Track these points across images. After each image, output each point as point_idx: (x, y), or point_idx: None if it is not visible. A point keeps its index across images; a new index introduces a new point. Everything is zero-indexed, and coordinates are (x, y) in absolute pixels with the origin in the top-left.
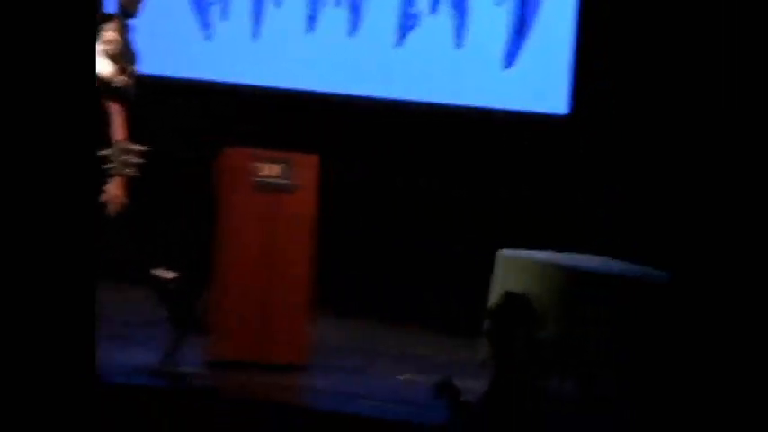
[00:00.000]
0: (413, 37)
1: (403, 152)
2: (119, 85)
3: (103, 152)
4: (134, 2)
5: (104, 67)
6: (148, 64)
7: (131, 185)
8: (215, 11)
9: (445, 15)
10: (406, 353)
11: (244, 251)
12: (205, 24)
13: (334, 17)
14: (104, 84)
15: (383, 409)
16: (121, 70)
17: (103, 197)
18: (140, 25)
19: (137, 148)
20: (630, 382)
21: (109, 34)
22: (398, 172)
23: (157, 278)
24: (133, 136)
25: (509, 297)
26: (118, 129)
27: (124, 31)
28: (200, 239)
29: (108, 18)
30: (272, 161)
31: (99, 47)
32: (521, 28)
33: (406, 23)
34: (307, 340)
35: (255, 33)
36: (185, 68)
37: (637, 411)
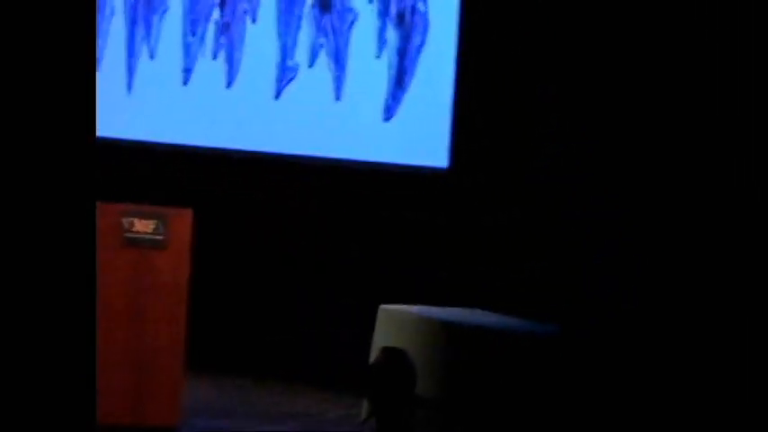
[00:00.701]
0: (291, 90)
1: (281, 206)
2: None
3: None
4: None
5: None
6: None
7: None
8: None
9: (324, 68)
10: (285, 411)
11: (114, 309)
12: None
13: (210, 70)
14: None
15: None
16: None
17: None
18: None
19: None
20: None
21: None
22: (278, 226)
23: None
24: None
25: (387, 353)
26: None
27: None
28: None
29: None
30: (145, 216)
31: None
32: (399, 80)
33: (285, 76)
34: (180, 402)
35: (129, 86)
36: None
37: None
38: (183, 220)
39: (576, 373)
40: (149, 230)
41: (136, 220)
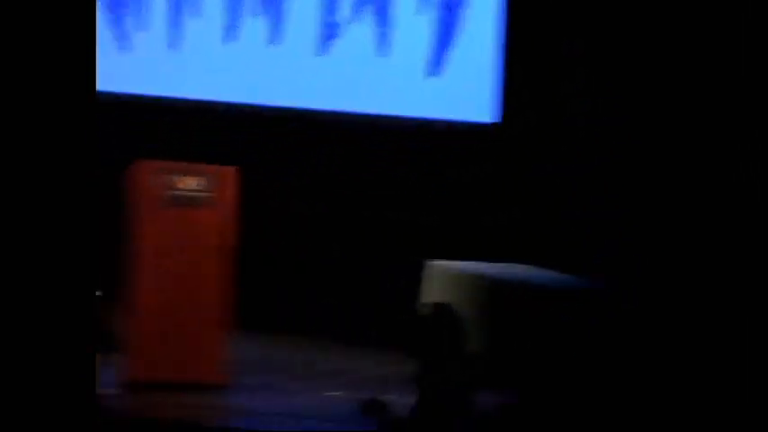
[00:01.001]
0: (335, 46)
1: (325, 163)
2: None
3: None
4: None
5: None
6: None
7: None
8: (130, 21)
9: (367, 24)
10: (331, 369)
11: (158, 268)
12: (120, 35)
13: (253, 26)
14: None
15: (307, 427)
16: None
17: None
18: None
19: None
20: (557, 393)
21: None
22: (321, 183)
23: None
24: None
25: (436, 308)
26: None
27: None
28: (111, 257)
29: None
30: (188, 174)
31: None
32: (445, 36)
33: (328, 32)
34: (225, 359)
35: (173, 44)
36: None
37: (562, 420)
38: (228, 177)
39: (621, 327)
40: (195, 188)
41: (181, 178)
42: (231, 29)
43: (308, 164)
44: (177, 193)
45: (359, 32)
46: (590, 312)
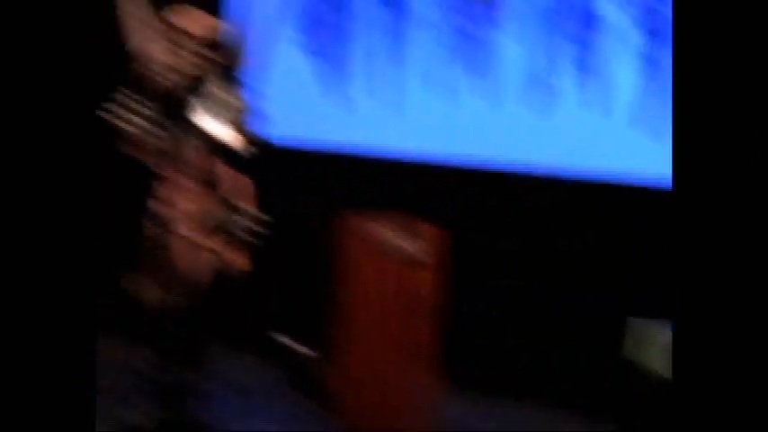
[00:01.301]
0: (552, 104)
1: (527, 221)
2: (233, 148)
3: (221, 216)
4: (235, 56)
5: (217, 128)
6: (272, 126)
7: (250, 251)
8: (354, 74)
9: (571, 76)
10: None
11: (366, 320)
12: (343, 91)
13: (475, 84)
14: (220, 146)
15: None
16: (236, 130)
17: (216, 261)
18: (269, 86)
19: (255, 212)
20: None
21: (219, 94)
22: (533, 245)
23: (278, 344)
24: (254, 200)
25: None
26: (233, 192)
27: (233, 88)
28: (320, 307)
29: (216, 77)
30: (402, 230)
31: (208, 107)
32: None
33: (543, 90)
34: (433, 417)
35: (395, 99)
36: (312, 132)
37: None
38: (438, 233)
39: None
40: (408, 244)
41: (395, 233)
42: (448, 90)
43: (520, 225)
44: (390, 248)
45: (571, 88)
46: None
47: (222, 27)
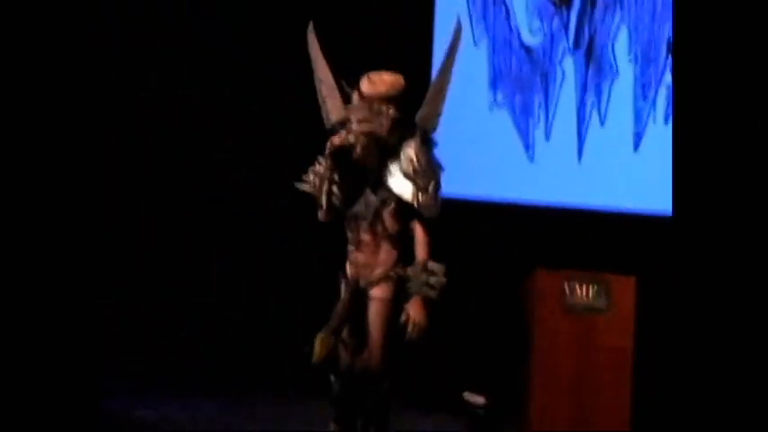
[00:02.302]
0: None
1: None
2: (419, 205)
3: (404, 272)
4: (431, 118)
5: (404, 187)
6: (459, 185)
7: (433, 307)
8: (539, 132)
9: None
10: None
11: (556, 376)
12: (528, 145)
13: (661, 134)
14: (406, 204)
15: None
16: (422, 189)
17: (403, 318)
18: (451, 146)
19: (439, 267)
20: None
21: (408, 153)
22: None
23: (468, 403)
24: (437, 256)
25: None
26: (419, 248)
27: (424, 148)
28: (508, 363)
29: (407, 136)
30: (586, 283)
31: (398, 167)
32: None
33: None
34: None
35: (579, 153)
36: (498, 189)
37: None
38: (626, 286)
39: None
40: (591, 297)
41: (578, 286)
42: (638, 136)
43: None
44: (575, 301)
45: None
46: None
47: (402, 83)
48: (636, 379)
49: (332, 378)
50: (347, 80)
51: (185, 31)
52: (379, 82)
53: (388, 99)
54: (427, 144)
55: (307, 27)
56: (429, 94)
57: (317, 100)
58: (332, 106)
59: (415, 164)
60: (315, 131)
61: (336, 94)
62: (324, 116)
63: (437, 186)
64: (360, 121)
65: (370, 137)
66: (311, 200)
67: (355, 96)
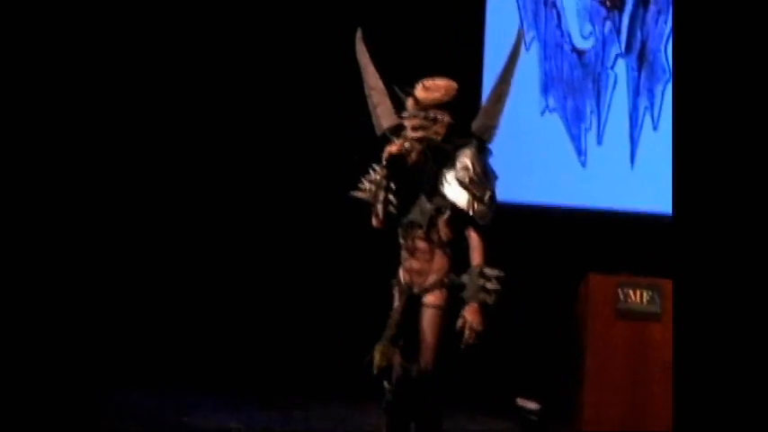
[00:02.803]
0: None
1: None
2: (475, 213)
3: (459, 278)
4: (488, 128)
5: (459, 195)
6: (511, 191)
7: (489, 312)
8: (591, 137)
9: None
10: None
11: (610, 380)
12: (580, 151)
13: None
14: (461, 212)
15: None
16: (477, 198)
17: (459, 324)
18: (503, 151)
19: (495, 273)
20: None
21: (463, 161)
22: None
23: (521, 408)
24: (492, 262)
25: None
26: (474, 254)
27: (480, 157)
28: (563, 368)
29: (462, 144)
30: (639, 288)
31: (453, 175)
32: None
33: None
34: None
35: (632, 158)
36: (551, 195)
37: None
38: (676, 290)
39: None
40: (644, 302)
41: (631, 291)
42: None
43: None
44: (628, 306)
45: None
46: None
47: (456, 88)
48: (676, 383)
49: (385, 385)
50: (398, 87)
51: (222, 37)
52: (434, 88)
53: (442, 105)
54: (483, 153)
55: (355, 34)
56: (486, 104)
57: (364, 107)
58: (383, 113)
59: (471, 172)
60: (364, 138)
61: (387, 100)
62: (375, 123)
63: (492, 195)
64: (415, 128)
65: (426, 144)
66: (365, 207)
67: (410, 103)
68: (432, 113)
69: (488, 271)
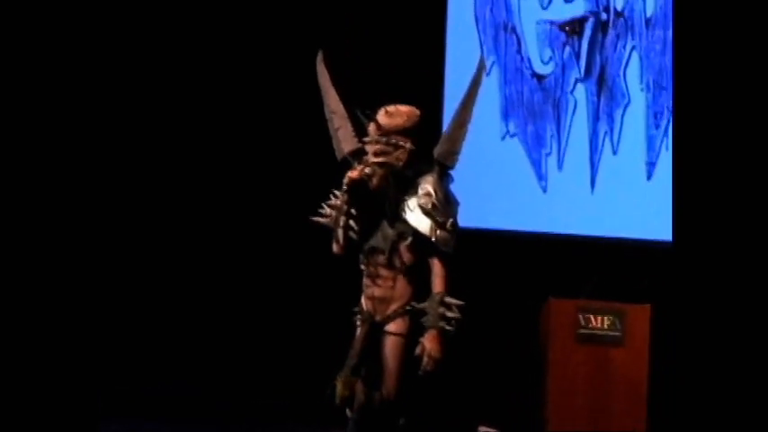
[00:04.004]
0: None
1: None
2: (436, 240)
3: (420, 305)
4: (451, 153)
5: (421, 221)
6: (472, 216)
7: (448, 340)
8: (551, 161)
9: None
10: None
11: (572, 405)
12: (540, 176)
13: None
14: (423, 238)
15: None
16: (439, 224)
17: (418, 351)
18: (464, 177)
19: (455, 302)
20: None
21: (425, 187)
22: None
23: None
24: (453, 290)
25: None
26: (436, 281)
27: (441, 183)
28: (525, 393)
29: (424, 170)
30: (601, 313)
31: (415, 201)
32: None
33: None
34: None
35: (592, 182)
36: (511, 220)
37: None
38: (640, 316)
39: None
40: (606, 326)
41: (592, 317)
42: (651, 165)
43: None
44: (589, 331)
45: None
46: None
47: (418, 115)
48: (650, 409)
49: (348, 413)
50: (360, 110)
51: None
52: (396, 114)
53: (404, 132)
54: (445, 179)
55: (316, 56)
56: (448, 130)
57: (324, 131)
58: (343, 137)
59: (433, 198)
60: (325, 163)
61: (348, 124)
62: (335, 147)
63: (454, 222)
64: (376, 154)
65: (387, 169)
66: (327, 233)
67: (372, 128)
68: (393, 139)
69: (450, 300)
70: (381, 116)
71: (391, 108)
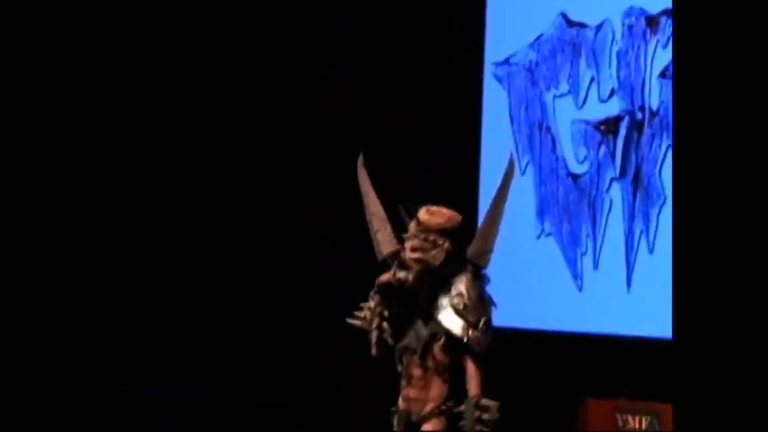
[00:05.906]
0: None
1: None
2: (470, 340)
3: (457, 409)
4: (484, 252)
5: (454, 321)
6: (507, 316)
7: None
8: (587, 261)
9: None
10: None
11: None
12: (576, 275)
13: None
14: (456, 340)
15: None
16: (471, 324)
17: None
18: (500, 276)
19: (492, 403)
20: None
21: (458, 287)
22: None
23: None
24: (489, 391)
25: None
26: (471, 384)
27: (475, 283)
28: None
29: (458, 270)
30: (638, 413)
31: (448, 301)
32: None
33: None
34: None
35: (628, 282)
36: (547, 320)
37: None
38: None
39: None
40: (644, 427)
41: (630, 417)
42: None
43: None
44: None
45: None
46: None
47: (459, 219)
48: None
49: None
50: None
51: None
52: (438, 213)
53: (444, 232)
54: (478, 279)
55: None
56: (481, 229)
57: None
58: (383, 239)
59: (466, 299)
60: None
61: (387, 226)
62: (375, 249)
63: (488, 322)
64: (414, 249)
65: (423, 266)
66: (363, 334)
67: (412, 225)
68: (432, 237)
69: (486, 402)
70: (423, 214)
71: (434, 208)
